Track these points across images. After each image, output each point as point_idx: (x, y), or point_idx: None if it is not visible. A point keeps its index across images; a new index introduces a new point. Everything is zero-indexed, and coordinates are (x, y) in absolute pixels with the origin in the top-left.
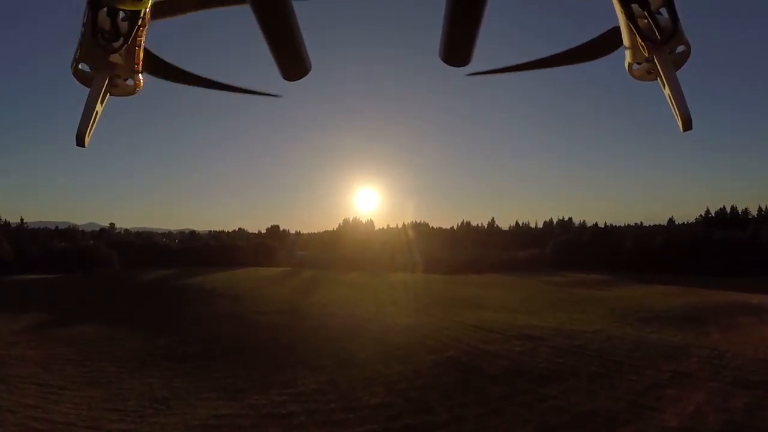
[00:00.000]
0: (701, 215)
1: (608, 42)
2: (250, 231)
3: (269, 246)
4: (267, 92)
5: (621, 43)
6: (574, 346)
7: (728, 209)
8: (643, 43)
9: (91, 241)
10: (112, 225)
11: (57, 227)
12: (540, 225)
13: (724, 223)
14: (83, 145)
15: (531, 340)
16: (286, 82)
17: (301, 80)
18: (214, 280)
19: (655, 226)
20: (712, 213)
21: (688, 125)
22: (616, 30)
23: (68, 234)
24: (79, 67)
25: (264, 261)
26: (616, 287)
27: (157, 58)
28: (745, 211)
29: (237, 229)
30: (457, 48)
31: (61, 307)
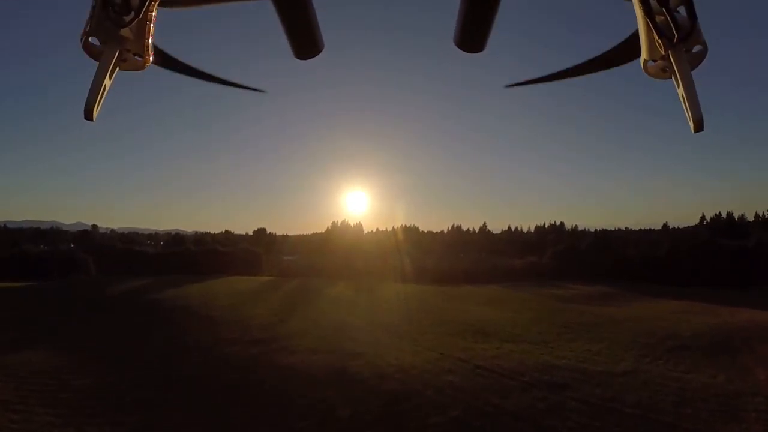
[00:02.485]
0: (699, 222)
1: (631, 46)
2: (237, 233)
3: (253, 252)
4: (252, 87)
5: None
6: (609, 399)
7: (724, 214)
8: (659, 41)
9: (72, 245)
10: (95, 226)
11: (39, 228)
12: (532, 229)
13: (724, 230)
14: (91, 119)
15: (554, 390)
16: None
17: (302, 62)
18: (188, 293)
19: (648, 230)
20: (707, 219)
21: (699, 126)
22: (637, 34)
23: (49, 236)
24: (89, 40)
25: (247, 269)
26: (625, 303)
27: (159, 49)
28: (742, 217)
29: (223, 232)
30: (471, 34)
31: (17, 325)
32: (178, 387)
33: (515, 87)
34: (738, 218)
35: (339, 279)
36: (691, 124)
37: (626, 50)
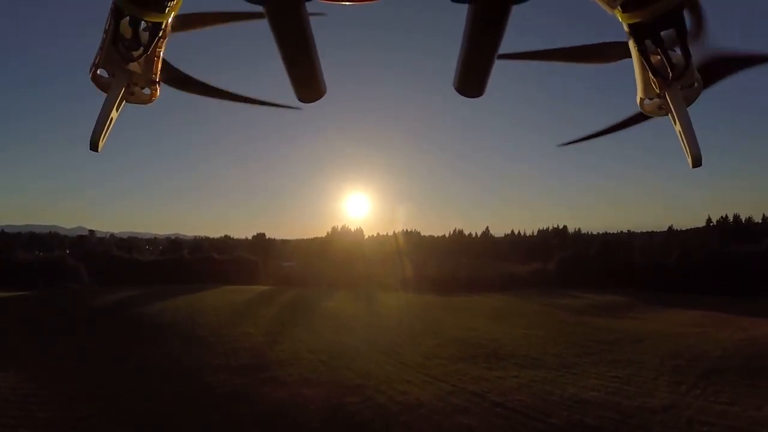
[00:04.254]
0: (705, 224)
1: (622, 48)
2: (237, 237)
3: (249, 260)
4: (287, 104)
5: (625, 56)
6: None
7: (727, 215)
8: (654, 79)
9: (68, 251)
10: (92, 232)
11: (33, 232)
12: (534, 232)
13: (733, 233)
14: (97, 150)
15: None
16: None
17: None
18: (177, 307)
19: (652, 233)
20: (714, 221)
21: (697, 162)
22: (624, 45)
23: (46, 241)
24: (98, 72)
25: (243, 277)
26: (639, 315)
27: (175, 68)
28: (750, 219)
29: (222, 236)
30: (471, 79)
31: None
32: (151, 425)
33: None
34: (745, 220)
35: (338, 288)
36: (690, 160)
37: (617, 49)
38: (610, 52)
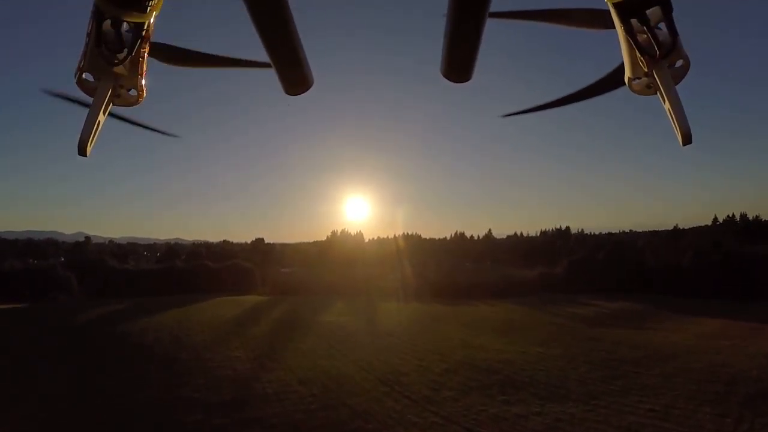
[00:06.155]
0: (711, 223)
1: (618, 75)
2: (236, 241)
3: (244, 268)
4: (165, 131)
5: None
6: None
7: (729, 212)
8: (642, 58)
9: (62, 259)
10: (88, 238)
11: (31, 239)
12: (536, 233)
13: (743, 233)
14: (85, 155)
15: None
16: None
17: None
18: (162, 324)
19: (656, 232)
20: (720, 219)
21: (687, 139)
22: (623, 67)
23: (42, 248)
24: (83, 76)
25: (238, 285)
26: (658, 324)
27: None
28: (757, 218)
29: (221, 241)
30: (458, 64)
31: None
32: None
33: (510, 116)
34: (753, 219)
35: (336, 296)
36: (679, 138)
37: (613, 78)
38: (607, 84)
